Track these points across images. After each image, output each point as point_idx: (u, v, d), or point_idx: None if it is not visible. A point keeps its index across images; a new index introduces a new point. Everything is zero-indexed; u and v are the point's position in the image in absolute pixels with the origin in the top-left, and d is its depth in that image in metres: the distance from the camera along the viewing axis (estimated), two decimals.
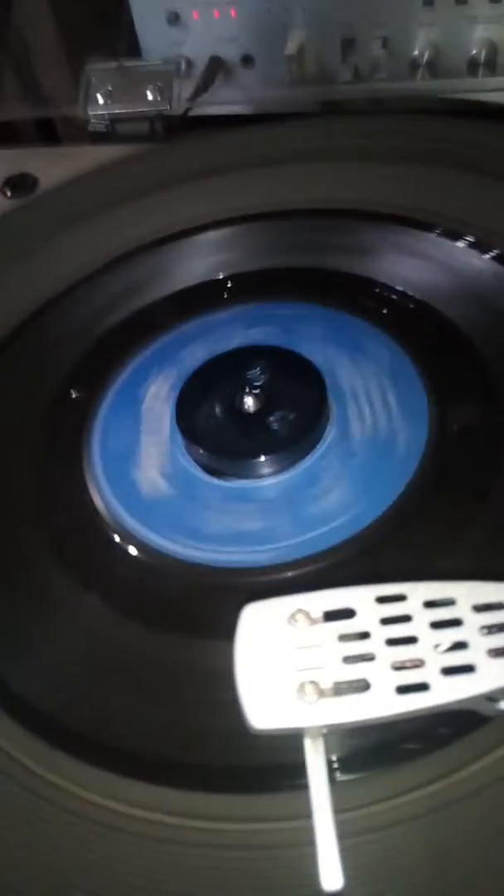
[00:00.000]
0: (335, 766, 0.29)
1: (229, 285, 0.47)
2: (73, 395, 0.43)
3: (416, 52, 0.61)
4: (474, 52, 0.60)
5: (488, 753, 0.28)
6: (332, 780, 0.27)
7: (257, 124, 0.59)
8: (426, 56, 0.60)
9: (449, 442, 0.37)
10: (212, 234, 0.49)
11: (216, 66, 0.64)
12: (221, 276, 0.47)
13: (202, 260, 0.48)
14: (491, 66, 0.59)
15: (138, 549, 0.37)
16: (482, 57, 0.59)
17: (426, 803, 0.28)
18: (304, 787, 0.27)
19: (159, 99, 0.60)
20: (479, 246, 0.44)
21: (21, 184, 0.58)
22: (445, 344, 0.41)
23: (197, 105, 0.63)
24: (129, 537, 0.37)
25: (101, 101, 0.60)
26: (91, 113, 0.61)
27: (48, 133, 0.74)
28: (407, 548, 0.34)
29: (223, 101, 0.64)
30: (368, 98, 0.63)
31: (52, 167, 0.59)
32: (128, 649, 0.34)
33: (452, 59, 0.60)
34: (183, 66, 0.62)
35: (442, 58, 0.60)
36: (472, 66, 0.60)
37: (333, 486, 0.37)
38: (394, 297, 0.44)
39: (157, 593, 0.35)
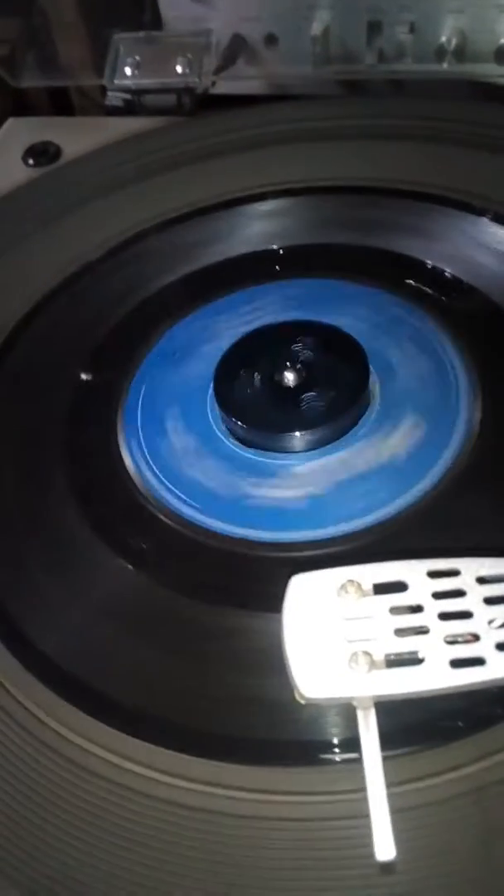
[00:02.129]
0: (385, 740, 0.28)
1: (274, 259, 0.46)
2: (101, 372, 0.43)
3: (443, 39, 0.60)
4: (503, 41, 0.59)
5: None
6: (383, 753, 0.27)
7: (283, 102, 0.59)
8: (453, 43, 0.60)
9: (500, 420, 0.36)
10: (254, 207, 0.48)
11: (239, 45, 0.63)
12: (269, 248, 0.47)
13: (240, 233, 0.48)
14: None
15: (178, 523, 0.36)
16: None
17: (475, 780, 0.28)
18: (354, 761, 0.27)
19: (188, 72, 0.59)
20: None
21: (44, 152, 0.57)
22: (493, 330, 0.40)
23: (219, 82, 0.63)
24: (168, 510, 0.37)
25: (128, 71, 0.59)
26: (117, 83, 0.60)
27: (64, 106, 0.73)
28: (458, 524, 0.34)
29: (245, 77, 0.63)
30: (392, 80, 0.62)
31: (73, 138, 0.58)
32: (180, 624, 0.33)
33: (480, 47, 0.60)
34: (212, 39, 0.61)
35: (469, 45, 0.60)
36: (500, 54, 0.60)
37: (380, 462, 0.36)
38: (442, 279, 0.43)
39: (206, 568, 0.35)
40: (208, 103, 0.62)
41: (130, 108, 0.62)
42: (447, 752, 0.28)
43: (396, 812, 0.26)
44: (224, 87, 0.64)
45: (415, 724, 0.29)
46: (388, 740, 0.27)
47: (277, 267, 0.46)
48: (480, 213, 0.45)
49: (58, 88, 0.72)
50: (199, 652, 0.32)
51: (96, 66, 0.63)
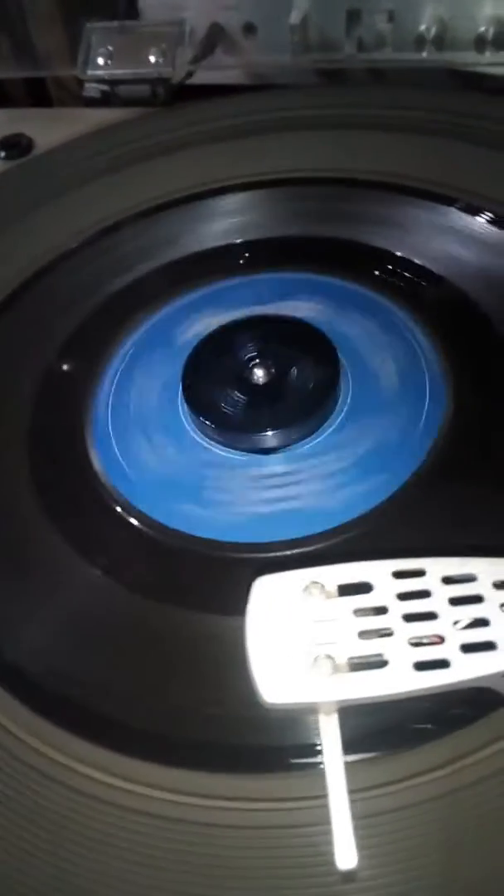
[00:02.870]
0: (349, 745, 0.28)
1: (239, 253, 0.45)
2: (72, 365, 0.42)
3: (422, 28, 0.59)
4: (482, 29, 0.59)
5: None
6: (346, 760, 0.26)
7: (262, 91, 0.58)
8: (433, 32, 0.59)
9: (468, 417, 0.36)
10: (217, 201, 0.48)
11: (217, 34, 0.63)
12: (233, 243, 0.46)
13: (204, 227, 0.47)
14: (499, 43, 0.58)
15: (147, 526, 0.36)
16: (490, 34, 0.58)
17: (441, 785, 0.27)
18: (317, 766, 0.26)
19: (161, 62, 0.58)
20: (498, 222, 0.43)
21: (15, 144, 0.56)
22: (463, 320, 0.40)
23: (196, 72, 0.62)
24: (136, 511, 0.36)
25: (101, 61, 0.59)
26: (90, 73, 0.59)
27: (40, 97, 0.72)
28: (424, 523, 0.33)
29: (222, 67, 0.63)
30: (372, 69, 0.61)
31: (47, 129, 0.57)
32: (140, 626, 0.33)
33: (459, 34, 0.59)
34: (186, 29, 0.60)
35: (448, 33, 0.59)
36: (480, 43, 0.59)
37: (348, 460, 0.36)
38: (410, 270, 0.43)
39: (167, 568, 0.34)
40: (186, 94, 0.62)
41: (107, 99, 0.62)
42: (414, 756, 0.28)
43: (361, 818, 0.25)
44: (202, 76, 0.63)
45: (382, 728, 0.28)
46: (353, 744, 0.27)
47: (242, 261, 0.45)
48: (449, 202, 0.44)
49: (35, 80, 0.71)
50: (161, 657, 0.32)
51: (73, 57, 0.62)
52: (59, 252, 0.46)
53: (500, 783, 0.27)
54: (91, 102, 0.62)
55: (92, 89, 0.62)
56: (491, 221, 0.43)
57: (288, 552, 0.33)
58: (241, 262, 0.45)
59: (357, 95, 0.56)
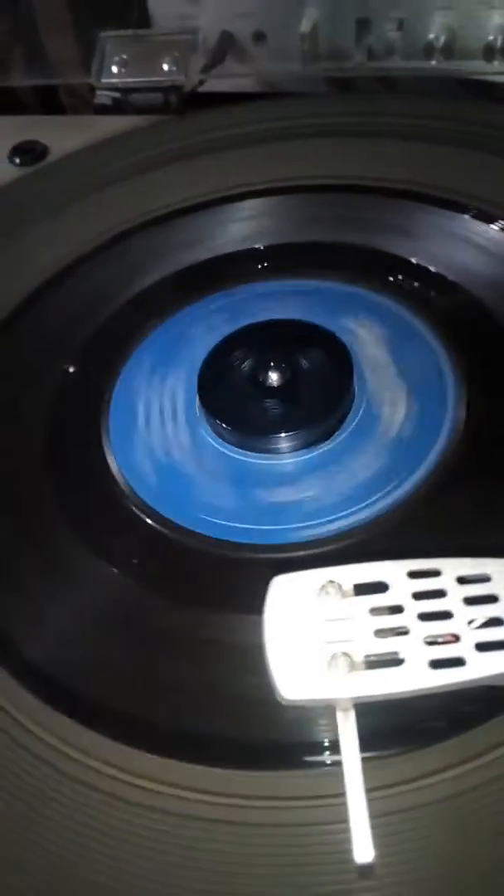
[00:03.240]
0: (364, 743, 0.28)
1: (253, 260, 0.46)
2: (89, 369, 0.42)
3: (431, 36, 0.60)
4: (491, 38, 0.59)
5: None
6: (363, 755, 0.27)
7: (273, 99, 0.58)
8: (441, 40, 0.60)
9: (484, 420, 0.36)
10: (230, 208, 0.48)
11: (227, 42, 0.63)
12: (246, 249, 0.46)
13: (216, 234, 0.48)
14: None
15: (160, 523, 0.36)
16: (499, 43, 0.59)
17: (455, 784, 0.27)
18: (332, 765, 0.27)
19: (175, 70, 0.58)
20: None
21: (30, 151, 0.56)
22: (477, 327, 0.40)
23: (207, 80, 0.62)
24: (151, 511, 0.36)
25: (115, 69, 0.59)
26: (104, 81, 0.60)
27: (51, 105, 0.73)
28: (440, 524, 0.34)
29: (233, 75, 0.63)
30: (381, 78, 0.62)
31: (60, 136, 0.58)
32: (158, 625, 0.33)
33: (468, 44, 0.60)
34: (199, 37, 0.60)
35: (458, 42, 0.60)
36: (488, 52, 0.60)
37: (364, 463, 0.36)
38: (426, 277, 0.43)
39: (183, 568, 0.34)
40: (197, 101, 0.62)
41: (119, 107, 0.62)
42: (426, 755, 0.28)
43: (376, 817, 0.26)
44: (213, 84, 0.64)
45: (396, 726, 0.28)
46: (368, 742, 0.27)
47: (260, 266, 0.45)
48: (463, 209, 0.45)
49: (47, 87, 0.72)
50: (182, 655, 0.32)
51: (84, 65, 0.63)
52: (73, 258, 0.47)
53: None
54: (102, 110, 0.63)
55: (103, 97, 0.63)
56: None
57: (304, 552, 0.33)
58: (257, 268, 0.45)
59: (367, 103, 0.56)
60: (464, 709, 0.29)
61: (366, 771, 0.26)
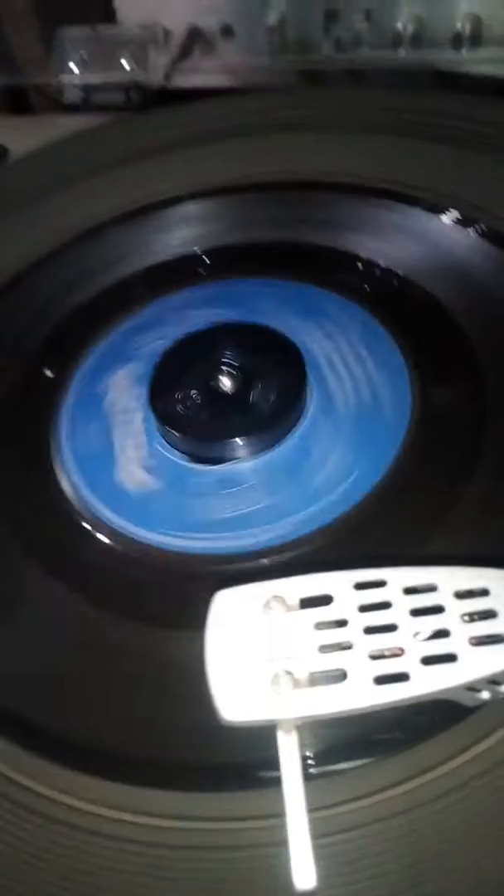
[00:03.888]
0: (310, 761, 0.27)
1: (203, 261, 0.45)
2: (38, 376, 0.41)
3: (399, 26, 0.59)
4: (459, 26, 0.58)
5: (470, 748, 0.27)
6: (307, 776, 0.26)
7: (233, 95, 0.57)
8: (409, 30, 0.59)
9: (431, 423, 0.35)
10: (184, 208, 0.47)
11: (195, 37, 0.62)
12: (194, 252, 0.45)
13: (173, 235, 0.47)
14: (476, 41, 0.58)
15: (108, 536, 0.35)
16: (467, 31, 0.58)
17: (405, 800, 0.27)
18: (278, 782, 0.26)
19: (135, 67, 0.57)
20: (462, 220, 0.42)
21: None
22: (426, 319, 0.39)
23: (175, 76, 0.62)
24: (99, 524, 0.35)
25: (74, 68, 0.58)
26: (64, 81, 0.59)
27: (20, 103, 0.72)
28: (388, 533, 0.33)
29: (201, 71, 0.62)
30: (350, 70, 0.61)
31: (22, 137, 0.57)
32: (97, 641, 0.32)
33: (436, 33, 0.59)
34: (161, 33, 0.59)
35: (426, 32, 0.59)
36: (456, 40, 0.59)
37: (312, 470, 0.35)
38: (374, 272, 0.42)
39: (127, 582, 0.34)
40: (167, 99, 0.61)
41: (86, 106, 0.61)
42: (373, 772, 0.27)
43: (319, 838, 0.25)
44: (181, 81, 0.63)
45: (341, 744, 0.28)
46: (312, 761, 0.26)
47: (205, 270, 0.44)
48: (413, 202, 0.43)
49: (15, 88, 0.71)
50: (116, 673, 0.31)
51: (50, 63, 0.62)
52: (24, 264, 0.46)
53: (464, 798, 0.26)
54: (72, 108, 0.62)
55: (72, 95, 0.62)
56: (457, 221, 0.42)
57: (251, 563, 0.32)
58: (205, 270, 0.44)
59: (323, 97, 0.55)
60: (413, 723, 0.28)
61: (313, 788, 0.25)
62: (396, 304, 0.40)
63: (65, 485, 0.37)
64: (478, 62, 0.58)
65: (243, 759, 0.28)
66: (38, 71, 0.65)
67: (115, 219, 0.47)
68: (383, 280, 0.41)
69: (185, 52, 0.62)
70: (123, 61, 0.57)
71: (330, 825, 0.26)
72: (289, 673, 0.26)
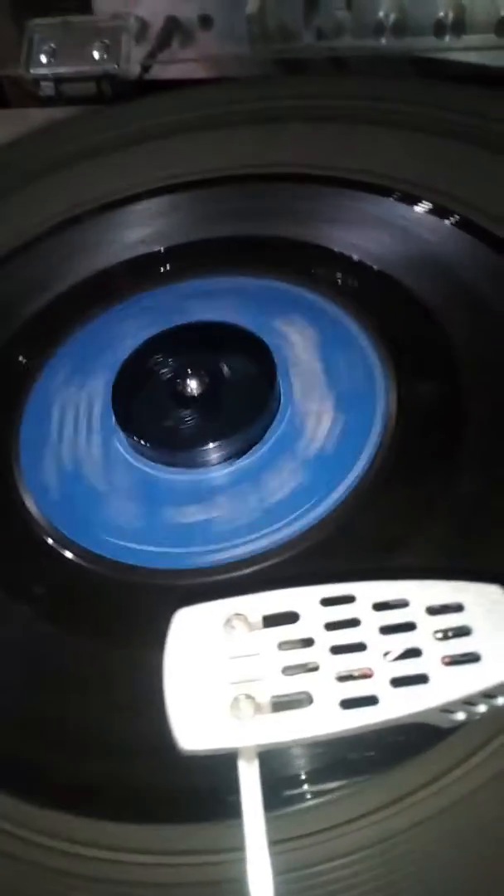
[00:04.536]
0: (275, 791, 0.26)
1: (168, 257, 0.43)
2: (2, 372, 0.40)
3: (381, 14, 0.57)
4: (441, 14, 0.56)
5: (446, 774, 0.26)
6: (274, 803, 0.24)
7: (202, 86, 0.56)
8: (392, 18, 0.57)
9: (406, 427, 0.33)
10: (149, 203, 0.45)
11: (172, 27, 0.61)
12: (160, 249, 0.44)
13: (138, 230, 0.45)
14: (458, 28, 0.56)
15: (66, 548, 0.33)
16: (449, 18, 0.56)
17: (375, 831, 0.25)
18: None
19: (106, 58, 0.56)
20: (437, 211, 0.41)
21: None
22: (401, 314, 0.37)
23: (152, 67, 0.60)
24: (56, 535, 0.34)
25: (44, 59, 0.57)
26: (34, 72, 0.57)
27: None
28: (359, 544, 0.31)
29: (179, 61, 0.61)
30: (332, 58, 0.59)
31: None
32: (52, 660, 0.31)
33: (419, 21, 0.57)
34: (133, 22, 0.58)
35: (408, 20, 0.57)
36: (439, 28, 0.57)
37: (282, 477, 0.34)
38: (346, 265, 0.40)
39: (85, 598, 0.32)
40: (145, 89, 0.60)
41: (60, 99, 0.60)
42: (344, 800, 0.26)
43: (283, 873, 0.23)
44: (159, 71, 0.61)
45: (309, 770, 0.26)
46: (275, 791, 0.25)
47: (166, 268, 0.43)
48: (386, 193, 0.42)
49: None
50: (73, 694, 0.30)
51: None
52: None
53: (439, 824, 0.25)
54: (48, 101, 0.60)
55: (48, 88, 0.61)
56: (430, 211, 0.41)
57: (214, 578, 0.31)
58: (167, 269, 0.43)
59: (292, 86, 0.53)
60: (386, 747, 0.26)
61: (273, 822, 0.24)
62: (369, 297, 0.38)
63: (20, 487, 0.35)
64: (461, 50, 0.56)
65: (206, 787, 0.26)
66: (11, 63, 0.64)
67: (68, 220, 0.45)
68: (358, 274, 0.40)
69: (162, 43, 0.61)
70: (94, 52, 0.56)
71: (297, 858, 0.25)
72: (250, 697, 0.25)
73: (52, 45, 0.57)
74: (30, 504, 0.35)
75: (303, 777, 0.26)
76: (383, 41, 0.58)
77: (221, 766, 0.25)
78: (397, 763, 0.26)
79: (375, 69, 0.58)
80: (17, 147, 0.51)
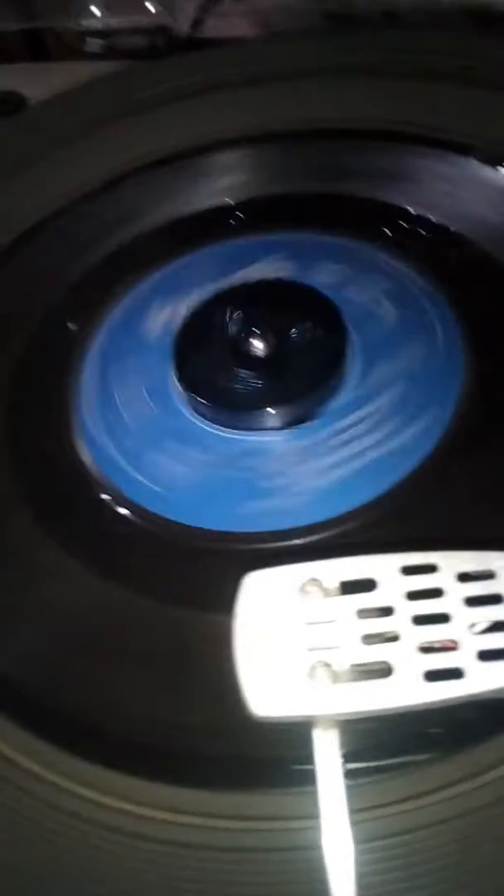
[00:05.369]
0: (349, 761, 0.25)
1: (236, 212, 0.42)
2: (61, 330, 0.39)
3: None
4: None
5: None
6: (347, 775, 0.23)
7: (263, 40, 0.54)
8: None
9: (484, 393, 0.32)
10: (217, 157, 0.44)
11: None
12: (228, 203, 0.42)
13: (205, 185, 0.43)
14: None
15: (129, 509, 0.32)
16: None
17: (455, 805, 0.24)
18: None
19: (161, 11, 0.54)
20: None
21: (8, 101, 0.52)
22: (483, 279, 0.36)
23: (204, 24, 0.58)
24: (119, 495, 0.33)
25: (95, 11, 0.55)
26: (84, 24, 0.55)
27: (38, 50, 0.68)
28: (439, 513, 0.30)
29: (229, 15, 0.59)
30: (385, 13, 0.57)
31: (41, 86, 0.54)
32: (116, 621, 0.30)
33: None
34: None
35: None
36: None
37: (355, 442, 0.32)
38: (426, 227, 0.38)
39: (153, 560, 0.31)
40: (195, 47, 0.58)
41: (108, 53, 0.58)
42: (425, 772, 0.25)
43: (363, 843, 0.23)
44: (210, 29, 0.59)
45: (387, 741, 0.25)
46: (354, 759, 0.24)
47: (236, 222, 0.41)
48: (465, 152, 0.40)
49: (34, 34, 0.68)
50: (143, 658, 0.29)
51: (69, 6, 0.59)
52: (43, 215, 0.43)
53: None
54: (94, 57, 0.59)
55: (94, 44, 0.59)
56: None
57: (285, 542, 0.30)
58: (236, 223, 0.41)
59: (357, 40, 0.51)
60: (466, 721, 0.25)
61: (352, 792, 0.23)
62: (450, 262, 0.37)
63: (84, 453, 0.34)
64: None
65: (276, 755, 0.26)
66: (56, 14, 0.62)
67: (140, 168, 0.44)
68: (436, 236, 0.38)
69: None
70: (148, 4, 0.54)
71: (372, 829, 0.24)
72: (327, 665, 0.24)
73: None
74: (90, 464, 0.34)
75: (377, 748, 0.25)
76: None
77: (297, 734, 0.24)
78: (479, 740, 0.25)
79: (432, 23, 0.56)
80: (76, 97, 0.50)
